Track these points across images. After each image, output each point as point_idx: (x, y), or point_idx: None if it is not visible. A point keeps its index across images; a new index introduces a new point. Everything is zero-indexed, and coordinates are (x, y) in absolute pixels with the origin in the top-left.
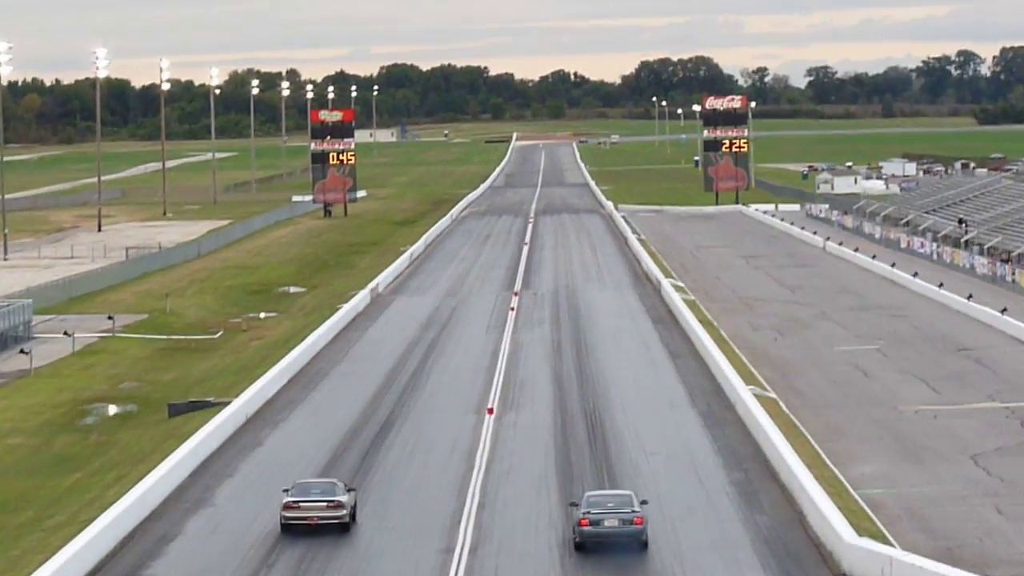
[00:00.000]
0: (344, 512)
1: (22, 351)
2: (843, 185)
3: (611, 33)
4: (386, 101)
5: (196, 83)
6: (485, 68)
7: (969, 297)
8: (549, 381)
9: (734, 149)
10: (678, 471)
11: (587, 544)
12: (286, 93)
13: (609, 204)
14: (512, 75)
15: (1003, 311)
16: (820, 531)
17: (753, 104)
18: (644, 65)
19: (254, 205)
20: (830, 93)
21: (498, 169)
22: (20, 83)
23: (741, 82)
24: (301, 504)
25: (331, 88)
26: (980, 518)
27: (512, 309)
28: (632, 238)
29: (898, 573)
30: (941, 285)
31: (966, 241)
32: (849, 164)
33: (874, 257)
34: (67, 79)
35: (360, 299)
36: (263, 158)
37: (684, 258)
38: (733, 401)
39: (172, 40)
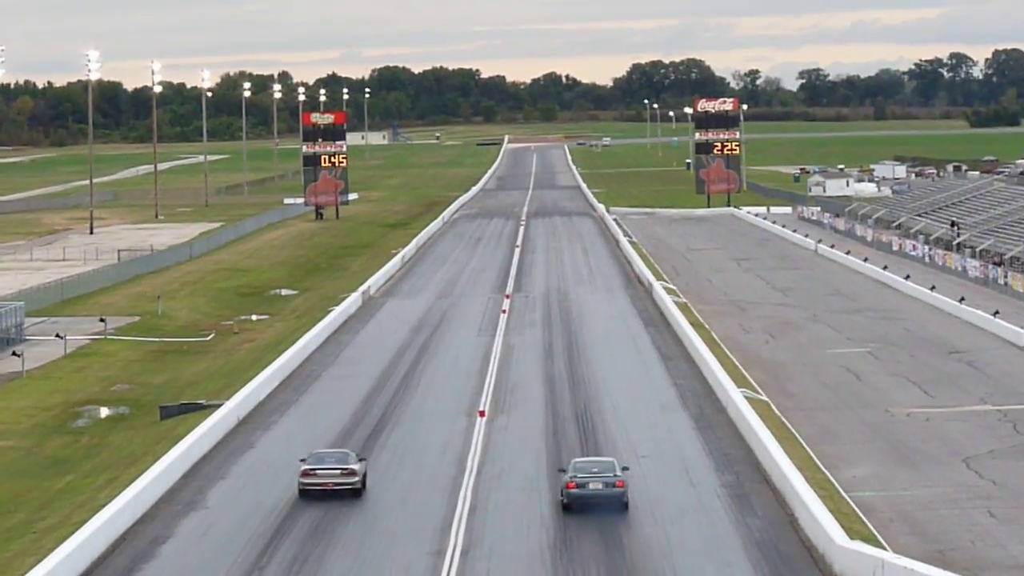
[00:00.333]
0: (356, 479)
1: (14, 353)
2: (835, 188)
3: (603, 35)
4: (378, 104)
5: (188, 86)
6: (477, 71)
7: (961, 300)
8: (541, 384)
9: (726, 151)
10: (669, 473)
11: (573, 505)
12: (278, 96)
13: (601, 207)
14: (504, 78)
15: (995, 314)
16: (812, 534)
17: (745, 107)
18: (636, 67)
19: (246, 207)
20: (822, 96)
21: (490, 172)
22: (12, 85)
23: (733, 84)
24: (317, 471)
25: (323, 91)
26: (972, 521)
27: (504, 312)
28: (624, 241)
29: None
30: (933, 288)
31: (958, 244)
32: (841, 167)
33: (866, 260)
34: (59, 82)
35: (352, 302)
36: (255, 161)
37: (676, 261)
38: (725, 403)
39: (164, 43)
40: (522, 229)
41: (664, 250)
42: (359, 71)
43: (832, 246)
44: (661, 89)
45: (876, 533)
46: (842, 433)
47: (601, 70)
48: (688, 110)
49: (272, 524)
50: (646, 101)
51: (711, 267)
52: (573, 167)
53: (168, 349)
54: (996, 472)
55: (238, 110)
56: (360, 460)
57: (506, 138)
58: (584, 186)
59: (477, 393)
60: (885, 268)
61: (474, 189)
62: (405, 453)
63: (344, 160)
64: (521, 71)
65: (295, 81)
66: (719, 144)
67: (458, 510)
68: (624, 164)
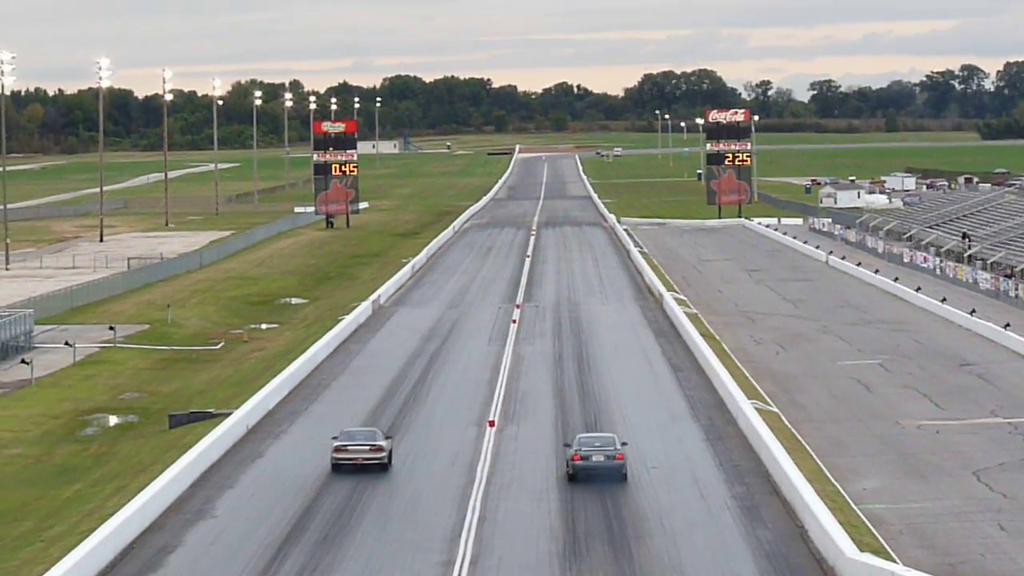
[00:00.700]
0: (383, 454)
1: (23, 361)
2: (846, 199)
3: (614, 46)
4: (389, 113)
5: (199, 94)
6: (488, 80)
7: (972, 312)
8: (550, 394)
9: (737, 162)
10: (680, 485)
11: (578, 475)
12: (289, 104)
13: (612, 217)
14: (515, 87)
15: (1006, 326)
16: (822, 546)
17: (756, 117)
18: (647, 78)
19: (256, 216)
20: (833, 107)
21: (501, 181)
22: (23, 93)
23: (744, 95)
24: (348, 447)
25: (334, 99)
26: (982, 534)
27: (514, 321)
28: (634, 251)
29: None
30: (944, 300)
31: (969, 256)
32: (852, 178)
33: (877, 271)
34: (70, 89)
35: (362, 311)
36: (265, 169)
37: (686, 271)
38: (735, 415)
39: (175, 50)
40: (533, 239)
41: (675, 261)
42: (370, 80)
43: (843, 258)
44: (672, 100)
45: (886, 546)
46: (852, 445)
47: (613, 80)
48: (699, 121)
49: (281, 534)
50: (657, 112)
51: (722, 278)
52: (584, 177)
53: (177, 357)
54: (1006, 485)
55: (249, 118)
56: (387, 438)
57: (517, 148)
58: (595, 196)
59: (487, 403)
60: (896, 280)
61: (485, 199)
62: (415, 462)
63: (355, 169)
64: (533, 81)
65: (306, 90)
66: (730, 155)
67: (467, 520)
68: (635, 174)
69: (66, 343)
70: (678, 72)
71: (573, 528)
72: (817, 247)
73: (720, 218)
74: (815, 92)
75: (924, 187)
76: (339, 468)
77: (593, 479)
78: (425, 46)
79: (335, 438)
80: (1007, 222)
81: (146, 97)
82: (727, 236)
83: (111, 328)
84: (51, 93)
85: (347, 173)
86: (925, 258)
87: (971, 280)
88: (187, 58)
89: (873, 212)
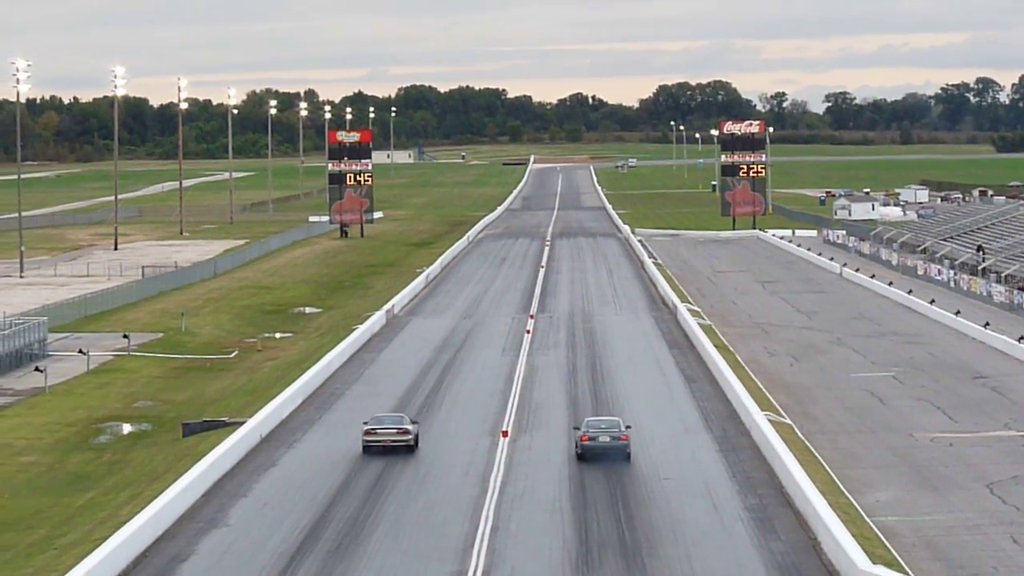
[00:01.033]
0: (409, 437)
1: (37, 369)
2: (860, 211)
3: (629, 57)
4: (404, 122)
5: (214, 102)
6: (503, 90)
7: (986, 325)
8: (564, 404)
9: (751, 174)
10: (692, 496)
11: (586, 455)
12: (304, 113)
13: (626, 228)
14: (530, 98)
15: (1020, 339)
16: (834, 558)
17: (771, 129)
18: (662, 89)
19: (271, 225)
20: (848, 119)
21: (515, 191)
22: (38, 101)
23: (759, 107)
24: (377, 431)
25: (349, 109)
26: (995, 547)
27: (528, 332)
28: (649, 262)
29: None
30: (958, 313)
31: (983, 269)
32: (867, 190)
33: (891, 284)
34: (85, 97)
35: (376, 320)
36: (280, 178)
37: (700, 283)
38: (748, 426)
39: (190, 59)
40: (547, 249)
41: (689, 272)
42: (385, 89)
43: (857, 270)
44: (687, 111)
45: (899, 558)
46: (865, 457)
47: (628, 91)
48: (714, 132)
49: (294, 543)
50: (672, 123)
51: (736, 289)
52: (598, 188)
53: (191, 366)
54: (1020, 498)
55: (264, 127)
56: (413, 423)
57: (532, 158)
58: (609, 207)
59: (500, 413)
60: (910, 292)
61: (499, 209)
62: (428, 472)
63: (369, 178)
64: (548, 91)
65: (321, 99)
66: (745, 166)
67: (480, 530)
68: (650, 185)
69: (80, 351)
70: (693, 83)
71: (586, 538)
72: (831, 259)
73: (734, 230)
74: (830, 104)
75: (938, 200)
76: (369, 450)
77: (600, 458)
78: (440, 56)
79: (366, 423)
80: (1021, 235)
81: (161, 106)
82: (741, 248)
83: (125, 336)
84: (66, 101)
85: (362, 183)
86: (939, 270)
87: (985, 293)
88: (202, 67)
89: (887, 224)
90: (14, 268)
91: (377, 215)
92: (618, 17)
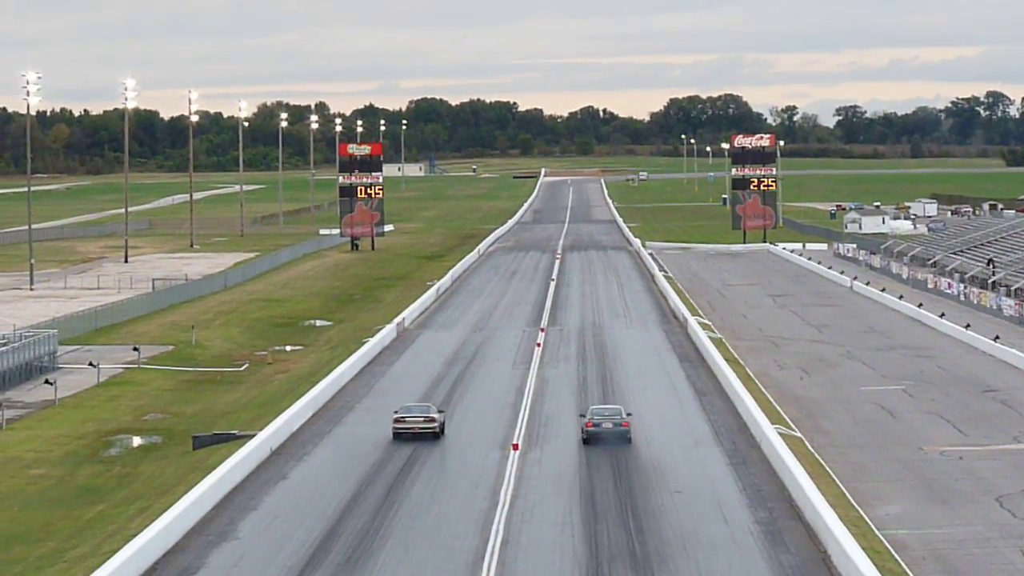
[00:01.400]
0: (435, 424)
1: (47, 381)
2: (871, 225)
3: (641, 70)
4: (414, 135)
5: (225, 115)
6: (514, 103)
7: (996, 338)
8: (575, 418)
9: (762, 187)
10: (703, 509)
11: (590, 439)
12: (315, 126)
13: (636, 241)
14: (541, 111)
15: None
16: (844, 571)
17: (782, 143)
18: (673, 102)
19: (281, 238)
20: (859, 132)
21: (526, 205)
22: (49, 113)
23: (770, 120)
24: (406, 419)
25: (360, 122)
26: (1005, 560)
27: (538, 345)
28: (659, 275)
29: None
30: (968, 326)
31: (993, 282)
32: (877, 204)
33: (901, 297)
34: (95, 110)
35: (386, 333)
36: (291, 191)
37: (711, 296)
38: (758, 440)
39: (201, 72)
40: (557, 263)
41: (699, 285)
42: (396, 103)
43: (867, 283)
44: (698, 124)
45: (908, 571)
46: (875, 470)
47: (638, 104)
48: (725, 145)
49: (304, 556)
50: (683, 136)
51: (746, 303)
52: (609, 201)
53: (201, 379)
54: None
55: (275, 140)
56: (439, 412)
57: (543, 171)
58: (620, 220)
59: (511, 426)
60: (920, 306)
61: (510, 222)
62: (438, 485)
63: (380, 191)
64: (558, 104)
65: (332, 112)
66: (755, 180)
67: (490, 543)
68: (660, 199)
69: (90, 364)
70: (704, 97)
71: (596, 552)
72: (842, 272)
73: (745, 243)
74: (840, 117)
75: (948, 213)
76: (399, 436)
77: (603, 442)
78: (451, 69)
79: (396, 412)
80: None
81: (172, 118)
82: (752, 261)
83: (135, 349)
84: (77, 114)
85: (372, 195)
86: (949, 284)
87: (995, 306)
88: (213, 79)
89: (898, 238)
90: (24, 281)
91: (388, 228)
92: (629, 31)
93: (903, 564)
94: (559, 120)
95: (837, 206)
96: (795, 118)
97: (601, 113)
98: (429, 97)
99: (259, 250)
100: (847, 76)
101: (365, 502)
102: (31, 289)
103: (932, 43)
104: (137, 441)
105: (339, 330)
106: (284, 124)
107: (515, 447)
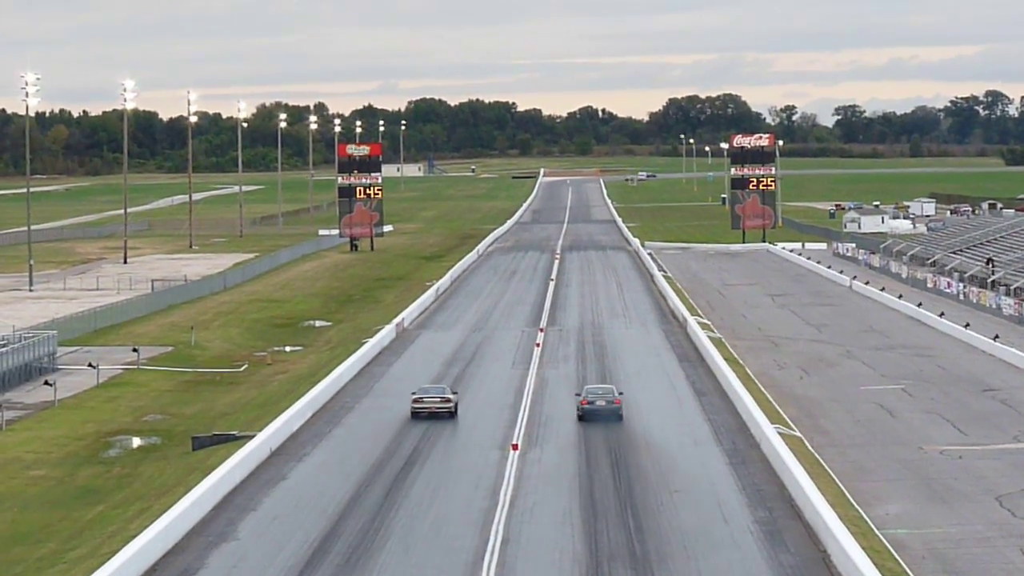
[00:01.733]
0: (450, 404)
1: (46, 383)
2: (870, 224)
3: (639, 70)
4: (413, 136)
5: (224, 116)
6: (513, 104)
7: (995, 338)
8: (574, 418)
9: (761, 187)
10: (702, 508)
11: (585, 416)
12: (314, 127)
13: (636, 241)
14: (540, 111)
15: None
16: (844, 571)
17: (781, 142)
18: (672, 102)
19: (280, 238)
20: (858, 132)
21: (525, 205)
22: (47, 114)
23: (769, 120)
24: (423, 399)
25: (359, 122)
26: (1005, 560)
27: (538, 345)
28: (658, 275)
29: None
30: (967, 325)
31: (993, 281)
32: (876, 203)
33: (900, 296)
34: (94, 111)
35: (385, 334)
36: (290, 191)
37: (710, 296)
38: (758, 439)
39: (200, 72)
40: (557, 263)
41: (699, 285)
42: (395, 103)
43: (866, 283)
44: (697, 124)
45: (908, 571)
46: (875, 470)
47: (637, 104)
48: (724, 145)
49: (304, 556)
50: (682, 136)
51: (745, 302)
52: (608, 201)
53: (201, 380)
54: None
55: (274, 141)
56: (454, 393)
57: (542, 171)
58: (619, 220)
59: (510, 426)
60: (919, 305)
61: (509, 222)
62: (438, 485)
63: (379, 192)
64: (557, 104)
65: (331, 112)
66: (755, 180)
67: (490, 543)
68: (659, 199)
69: (89, 365)
70: (703, 96)
71: (596, 551)
72: (841, 272)
73: (744, 243)
74: (840, 117)
75: (948, 212)
76: (416, 415)
77: (597, 419)
78: (450, 69)
79: (413, 393)
80: None
81: (171, 119)
82: (751, 261)
83: (135, 350)
84: (76, 114)
85: (371, 196)
86: (949, 283)
87: (994, 305)
88: (212, 80)
89: (897, 237)
90: (24, 282)
91: (387, 228)
92: (628, 30)
93: (903, 563)
94: (558, 120)
95: (836, 206)
96: (794, 118)
97: (600, 113)
98: (428, 97)
99: (258, 251)
100: (846, 75)
101: (365, 502)
102: (30, 290)
103: (931, 42)
104: (137, 442)
105: (338, 331)
106: (283, 125)
107: (515, 447)
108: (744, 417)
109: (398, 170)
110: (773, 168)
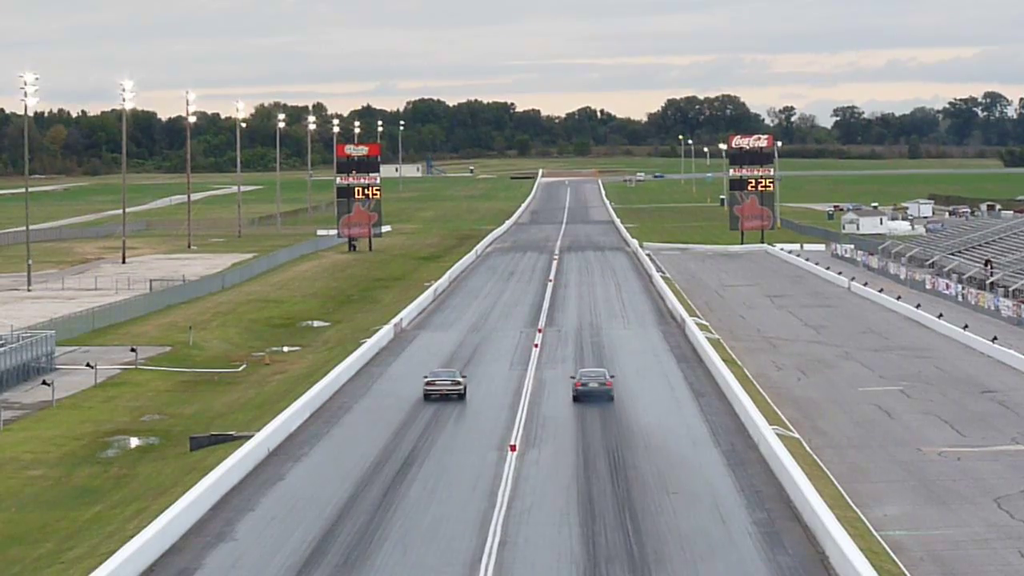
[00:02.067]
0: (460, 387)
1: (44, 382)
2: (869, 225)
3: (638, 71)
4: (412, 136)
5: (222, 116)
6: (511, 104)
7: (994, 339)
8: (572, 418)
9: (760, 188)
10: (700, 510)
11: (579, 397)
12: (312, 127)
13: (634, 242)
14: (538, 111)
15: None
16: (842, 572)
17: (779, 143)
18: (671, 103)
19: (279, 239)
20: (856, 133)
21: (523, 205)
22: (46, 114)
23: (768, 121)
24: (436, 382)
25: (357, 122)
26: (1003, 561)
27: (536, 346)
28: (657, 276)
29: None
30: (966, 327)
31: (991, 283)
32: (875, 205)
33: (899, 298)
34: (93, 111)
35: (383, 334)
36: (288, 192)
37: (709, 297)
38: (756, 440)
39: (199, 73)
40: (555, 263)
41: (697, 286)
42: (394, 103)
43: (865, 284)
44: (696, 125)
45: (906, 572)
46: (873, 471)
47: (636, 105)
48: (722, 146)
49: (301, 557)
50: (681, 137)
51: (744, 303)
52: (607, 202)
53: (199, 380)
54: None
55: (272, 141)
56: (463, 376)
57: (540, 172)
58: (617, 221)
59: (508, 427)
60: (918, 306)
61: (507, 223)
62: (435, 486)
63: (378, 192)
64: (556, 105)
65: (330, 113)
66: (753, 181)
67: (488, 544)
68: (658, 199)
69: (88, 365)
70: (701, 97)
71: (594, 553)
72: (839, 273)
73: (743, 244)
74: (838, 118)
75: (946, 214)
76: (428, 397)
77: (590, 400)
78: (449, 70)
79: (425, 376)
80: None
81: (169, 119)
82: (749, 262)
83: (133, 350)
84: (74, 114)
85: (370, 196)
86: (947, 284)
87: (993, 307)
88: (211, 80)
89: (895, 238)
90: (22, 281)
91: (385, 229)
92: (627, 31)
93: (901, 565)
94: (556, 121)
95: (835, 207)
96: (793, 119)
97: (599, 114)
98: (426, 98)
99: (257, 251)
100: (845, 77)
101: (363, 503)
102: (29, 290)
103: (930, 44)
104: (134, 442)
105: (337, 331)
106: (282, 125)
107: (512, 448)
108: (742, 418)
109: (396, 170)
110: (772, 169)
